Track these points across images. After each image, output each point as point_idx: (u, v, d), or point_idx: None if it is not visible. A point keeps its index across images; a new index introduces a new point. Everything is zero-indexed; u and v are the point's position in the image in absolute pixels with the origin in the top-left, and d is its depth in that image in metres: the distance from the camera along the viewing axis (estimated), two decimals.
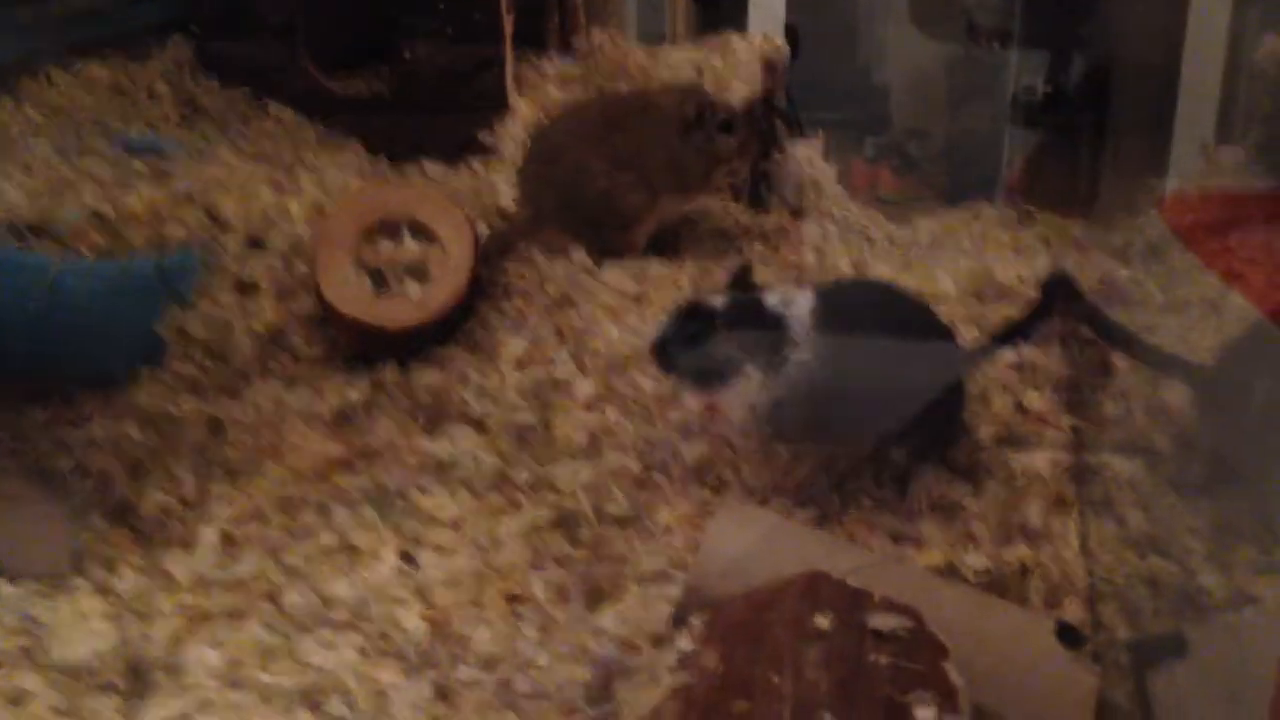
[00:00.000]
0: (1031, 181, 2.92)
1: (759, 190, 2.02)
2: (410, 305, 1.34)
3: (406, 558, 1.15)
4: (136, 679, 0.96)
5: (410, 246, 1.38)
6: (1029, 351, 1.33)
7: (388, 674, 0.96)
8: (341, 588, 1.09)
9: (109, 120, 1.69)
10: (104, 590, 1.13)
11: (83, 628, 1.02)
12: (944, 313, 1.48)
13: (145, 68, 1.86)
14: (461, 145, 1.86)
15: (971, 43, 3.42)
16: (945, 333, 1.24)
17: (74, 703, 0.92)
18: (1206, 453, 0.90)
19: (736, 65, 2.07)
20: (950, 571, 1.07)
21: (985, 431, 1.22)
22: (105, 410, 1.36)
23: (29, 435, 1.39)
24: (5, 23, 1.78)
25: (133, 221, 1.39)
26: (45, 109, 1.68)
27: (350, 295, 1.33)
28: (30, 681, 0.92)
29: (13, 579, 1.10)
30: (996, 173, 3.16)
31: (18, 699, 0.90)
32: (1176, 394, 1.19)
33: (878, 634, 0.88)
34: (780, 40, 2.36)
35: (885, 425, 1.15)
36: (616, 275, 1.51)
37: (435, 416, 1.32)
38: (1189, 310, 1.38)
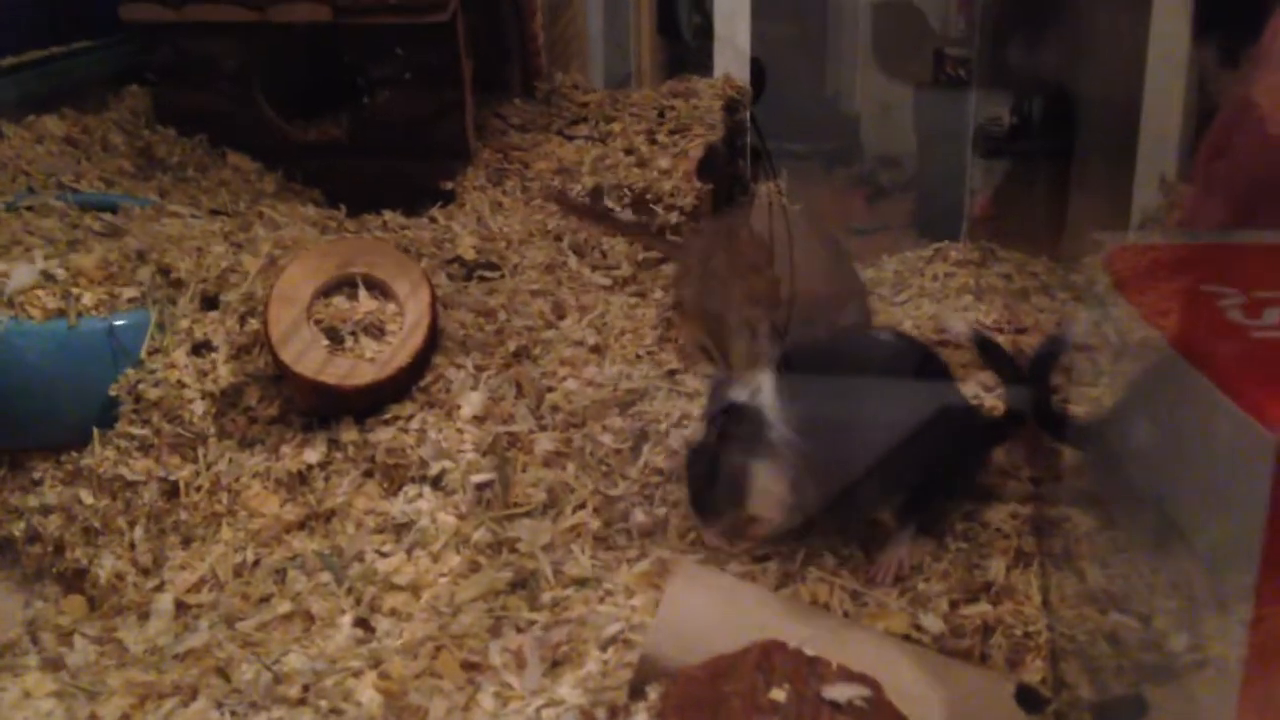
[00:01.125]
0: (997, 214, 2.94)
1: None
2: (366, 364, 1.33)
3: (363, 625, 1.14)
4: None
5: (366, 303, 1.37)
6: (989, 400, 1.33)
7: None
8: (296, 659, 1.07)
9: (62, 174, 1.66)
10: (54, 665, 1.11)
11: (28, 708, 1.00)
12: None
13: (100, 119, 1.84)
14: (422, 193, 1.85)
15: (939, 73, 3.45)
16: (943, 380, 1.22)
17: None
18: (1153, 505, 0.90)
19: (698, 108, 2.08)
20: (913, 630, 1.06)
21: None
22: (57, 474, 1.34)
23: None
24: None
25: (84, 280, 1.37)
26: None
27: (305, 354, 1.31)
28: None
29: None
30: (964, 203, 3.18)
31: None
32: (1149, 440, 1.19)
33: (835, 705, 0.87)
34: (744, 81, 2.37)
35: (882, 481, 1.13)
36: (576, 326, 1.50)
37: (393, 476, 1.30)
38: (1145, 354, 1.39)
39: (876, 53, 3.90)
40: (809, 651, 0.92)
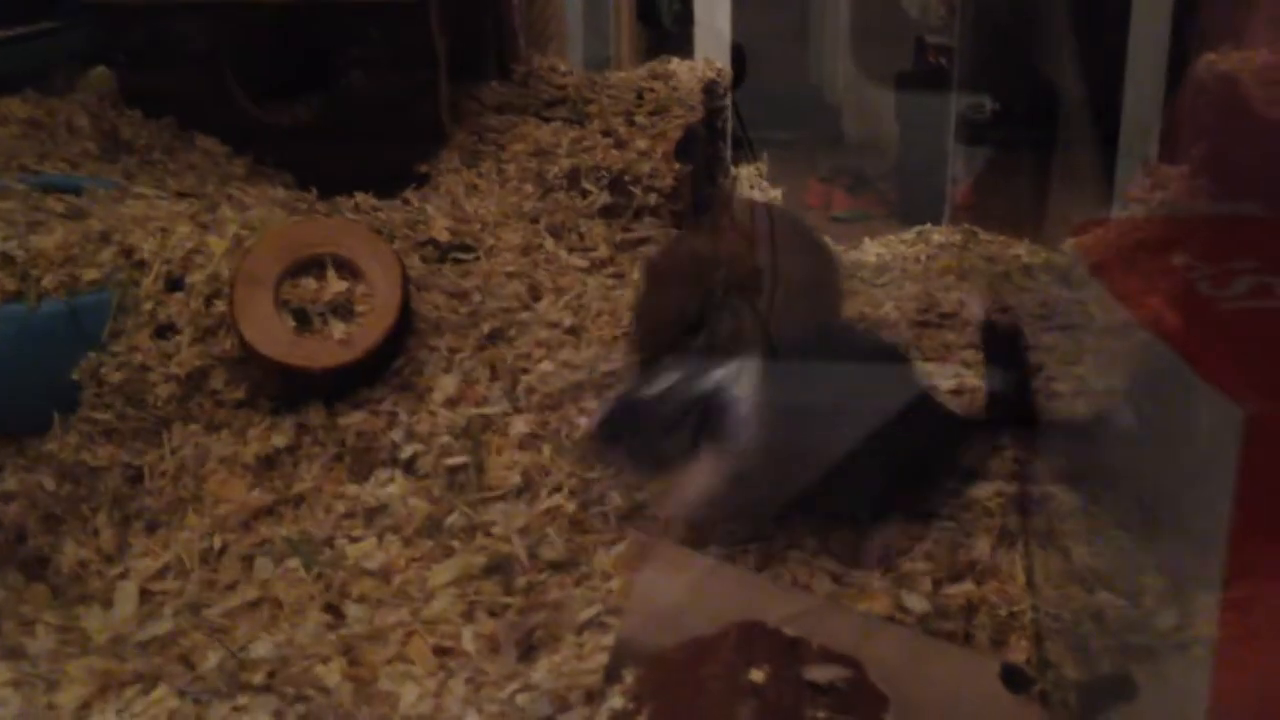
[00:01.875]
0: (979, 200, 2.93)
1: (702, 215, 1.99)
2: (335, 345, 1.30)
3: (333, 611, 1.11)
4: None
5: (335, 284, 1.34)
6: (969, 379, 1.31)
7: None
8: (262, 646, 1.04)
9: (24, 157, 1.62)
10: (13, 654, 1.08)
11: None
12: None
13: (65, 102, 1.80)
14: (395, 175, 1.82)
15: (920, 60, 3.43)
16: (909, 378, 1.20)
17: None
18: (1136, 483, 0.88)
19: (677, 89, 2.05)
20: (896, 611, 1.03)
21: None
22: (18, 461, 1.30)
23: None
24: None
25: (44, 262, 1.33)
26: None
27: (271, 335, 1.28)
28: None
29: None
30: (946, 190, 3.17)
31: None
32: (1121, 419, 1.17)
33: (815, 686, 0.84)
34: (723, 64, 2.35)
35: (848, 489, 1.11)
36: (553, 308, 1.47)
37: (364, 460, 1.27)
38: (1115, 332, 1.37)
39: (857, 40, 3.88)
40: (789, 632, 0.90)
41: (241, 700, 0.95)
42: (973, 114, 3.14)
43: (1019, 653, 1.00)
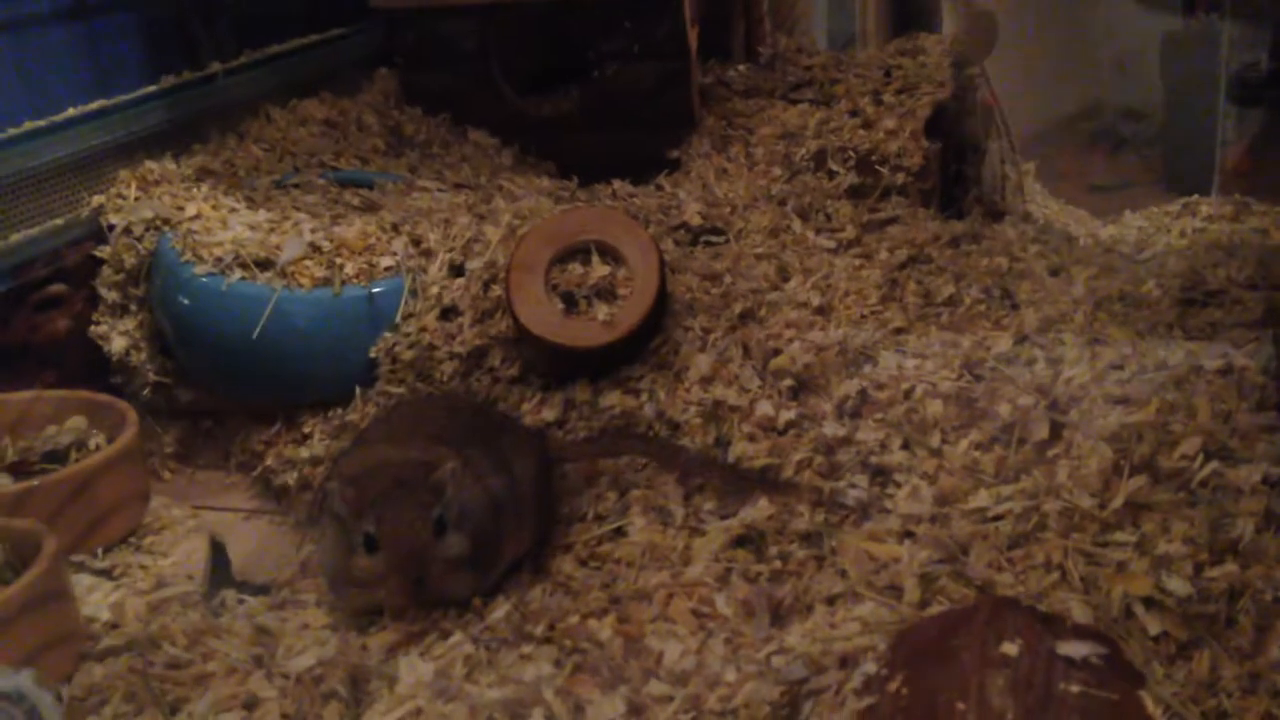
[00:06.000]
0: (1255, 166, 2.75)
1: (953, 193, 1.98)
2: (599, 326, 1.39)
3: (597, 568, 1.20)
4: (356, 687, 1.03)
5: (598, 269, 1.43)
6: (1238, 359, 1.26)
7: (583, 689, 1.00)
8: (541, 601, 1.13)
9: (323, 154, 1.80)
10: (328, 601, 1.22)
11: (308, 637, 1.10)
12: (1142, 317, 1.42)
13: (354, 101, 1.97)
14: (649, 162, 1.90)
15: (1189, 17, 3.24)
16: None
17: (302, 709, 0.99)
18: None
19: (926, 65, 2.04)
20: (1155, 592, 1.02)
21: (1191, 445, 1.16)
22: (324, 429, 1.46)
23: (258, 453, 1.51)
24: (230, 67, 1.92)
25: (346, 251, 1.48)
26: (266, 145, 1.81)
27: (542, 317, 1.38)
28: (263, 688, 1.01)
29: (247, 586, 1.20)
30: (1215, 155, 2.99)
31: (252, 704, 0.99)
32: None
33: (1068, 661, 0.86)
34: (975, 35, 2.31)
35: None
36: (801, 288, 1.51)
37: (622, 435, 1.36)
38: None
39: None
40: (1042, 608, 0.92)
41: (526, 649, 1.05)
42: (1248, 72, 2.95)
43: None
